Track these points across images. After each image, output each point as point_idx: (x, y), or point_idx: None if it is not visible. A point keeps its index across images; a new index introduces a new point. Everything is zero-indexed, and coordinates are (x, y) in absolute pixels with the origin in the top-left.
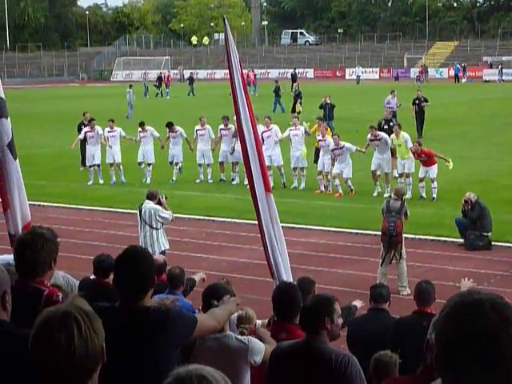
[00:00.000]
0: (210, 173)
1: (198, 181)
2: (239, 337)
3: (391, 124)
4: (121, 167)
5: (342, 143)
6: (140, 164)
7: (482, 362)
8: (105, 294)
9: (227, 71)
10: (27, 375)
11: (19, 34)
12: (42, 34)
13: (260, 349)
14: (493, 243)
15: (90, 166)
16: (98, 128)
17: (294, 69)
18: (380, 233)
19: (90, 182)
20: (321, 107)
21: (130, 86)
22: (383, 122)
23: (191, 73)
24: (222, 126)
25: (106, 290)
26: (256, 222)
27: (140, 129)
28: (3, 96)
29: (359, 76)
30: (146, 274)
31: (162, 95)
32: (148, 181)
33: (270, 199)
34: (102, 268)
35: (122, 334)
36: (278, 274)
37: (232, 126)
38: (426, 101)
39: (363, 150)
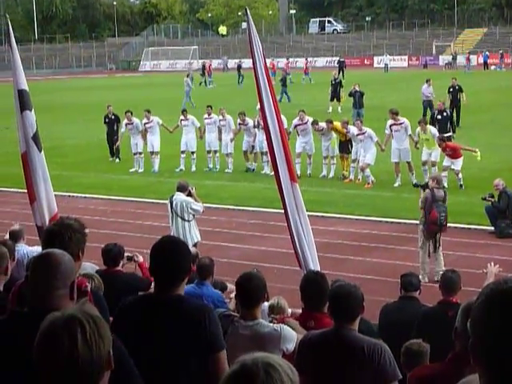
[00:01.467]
0: (231, 163)
1: (227, 170)
2: (271, 325)
3: (444, 114)
4: (158, 156)
5: (365, 129)
6: (183, 152)
7: None
8: (116, 282)
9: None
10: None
11: (47, 25)
12: (70, 25)
13: (292, 336)
14: None
15: (135, 154)
16: (135, 120)
17: (340, 56)
18: (417, 222)
19: (132, 170)
20: (350, 95)
21: (188, 76)
22: (436, 113)
23: (240, 61)
24: (239, 121)
25: (118, 278)
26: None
27: (182, 116)
28: (27, 88)
29: (387, 64)
30: (183, 261)
31: (205, 84)
32: (193, 168)
33: (295, 189)
34: (111, 256)
35: (158, 322)
36: (305, 264)
37: (249, 121)
38: (461, 90)
39: (383, 146)
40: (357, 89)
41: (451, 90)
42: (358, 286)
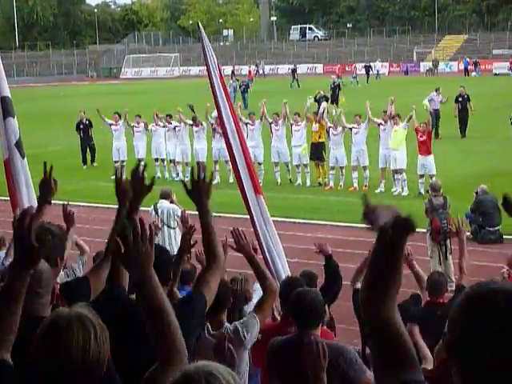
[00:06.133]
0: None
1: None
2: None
3: None
4: (142, 163)
5: (362, 125)
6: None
7: (486, 354)
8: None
9: (233, 67)
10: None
11: (28, 32)
12: (51, 33)
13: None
14: (505, 236)
15: (116, 162)
16: (121, 122)
17: (369, 62)
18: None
19: (113, 177)
20: (315, 100)
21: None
22: None
23: (295, 65)
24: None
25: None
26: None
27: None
28: (9, 95)
29: (378, 71)
30: (164, 265)
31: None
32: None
33: (260, 201)
34: None
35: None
36: (276, 273)
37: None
38: (469, 99)
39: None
40: (322, 93)
41: (460, 99)
42: (318, 292)
